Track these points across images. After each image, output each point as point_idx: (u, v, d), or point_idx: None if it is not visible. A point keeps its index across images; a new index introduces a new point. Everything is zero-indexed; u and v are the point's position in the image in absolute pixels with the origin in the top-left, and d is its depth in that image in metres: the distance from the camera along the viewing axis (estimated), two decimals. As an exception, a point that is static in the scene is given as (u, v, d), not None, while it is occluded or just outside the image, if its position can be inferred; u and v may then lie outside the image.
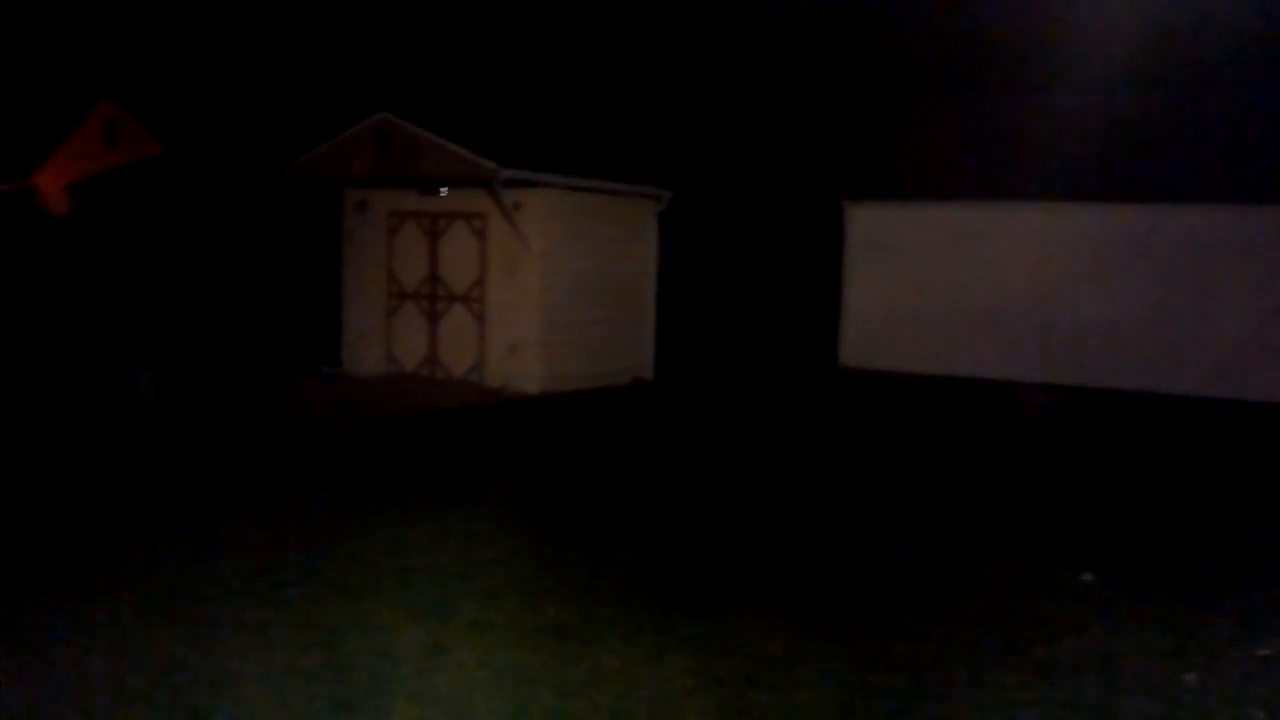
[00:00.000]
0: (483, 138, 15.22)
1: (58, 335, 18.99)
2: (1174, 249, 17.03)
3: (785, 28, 26.38)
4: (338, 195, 17.16)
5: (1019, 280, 17.90)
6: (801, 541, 8.36)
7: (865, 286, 19.16)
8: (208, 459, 10.69)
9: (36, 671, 5.38)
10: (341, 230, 17.21)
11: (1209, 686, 5.65)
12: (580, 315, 16.17)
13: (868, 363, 18.96)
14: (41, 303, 20.89)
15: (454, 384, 15.88)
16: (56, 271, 21.84)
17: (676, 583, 7.18)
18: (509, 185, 14.76)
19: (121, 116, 32.78)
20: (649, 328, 17.83)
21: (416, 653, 5.77)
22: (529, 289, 15.43)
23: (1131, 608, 6.87)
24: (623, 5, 27.35)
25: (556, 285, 15.65)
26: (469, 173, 14.58)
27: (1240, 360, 16.41)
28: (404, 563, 7.34)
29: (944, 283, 18.50)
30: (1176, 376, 16.74)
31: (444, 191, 15.87)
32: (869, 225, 19.22)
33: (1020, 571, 7.66)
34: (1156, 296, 17.04)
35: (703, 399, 16.36)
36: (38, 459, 10.40)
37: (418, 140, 14.94)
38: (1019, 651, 6.06)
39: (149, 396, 13.65)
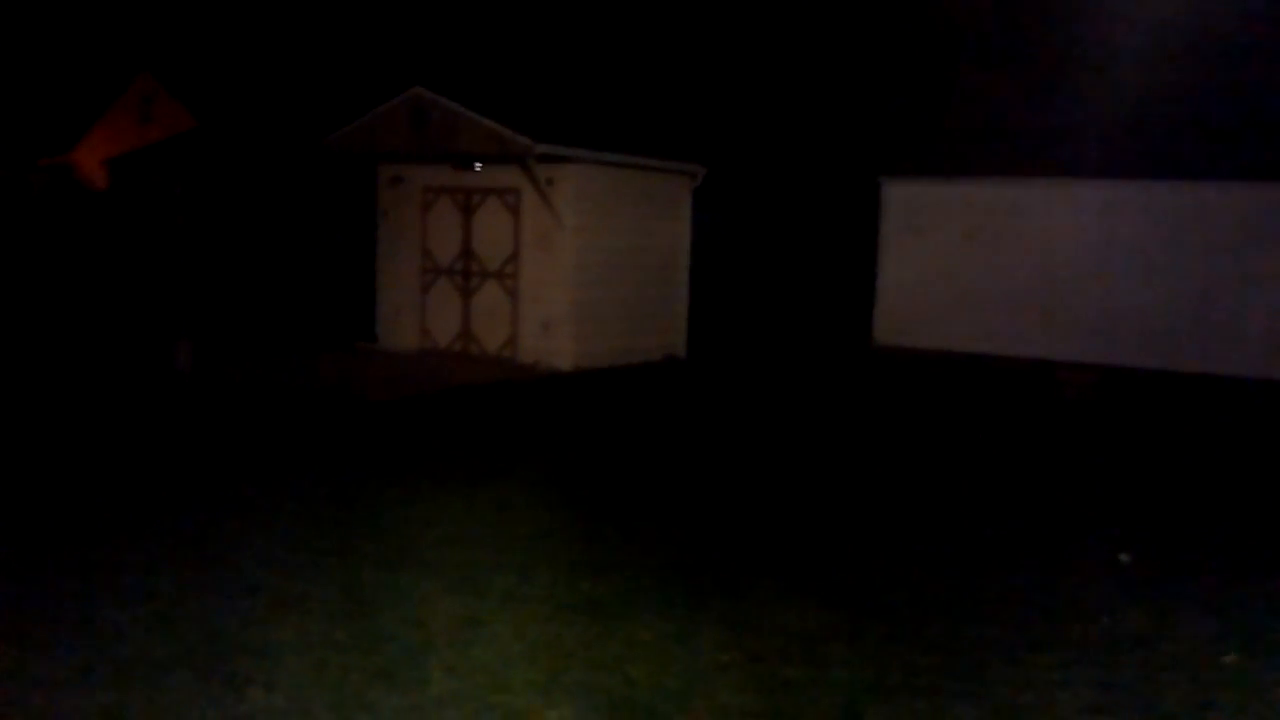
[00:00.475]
0: (517, 113, 15.19)
1: (97, 308, 19.22)
2: (1217, 227, 16.76)
3: (822, 1, 26.13)
4: (372, 170, 17.21)
5: (1057, 258, 17.70)
6: (835, 519, 8.34)
7: (901, 264, 19.01)
8: (245, 432, 10.80)
9: (76, 640, 5.46)
10: (376, 206, 17.26)
11: (1249, 668, 5.59)
12: (613, 292, 16.16)
13: (902, 341, 18.83)
14: (81, 275, 21.15)
15: (487, 360, 15.93)
16: (95, 245, 22.09)
17: (710, 559, 7.18)
18: (543, 160, 14.74)
19: (158, 92, 33.02)
20: (682, 304, 17.79)
21: (452, 625, 5.81)
22: (562, 265, 15.42)
23: (1170, 589, 6.80)
24: (657, -20, 27.19)
25: (589, 261, 15.64)
26: (503, 148, 14.57)
27: (1283, 340, 16.16)
28: (439, 536, 7.39)
29: (981, 260, 18.32)
30: (1218, 356, 16.51)
31: (478, 167, 15.87)
32: (906, 202, 19.05)
33: (1057, 551, 7.61)
34: (1199, 275, 16.79)
35: (735, 376, 16.32)
36: (77, 431, 10.53)
37: (452, 115, 14.93)
38: (1056, 631, 6.02)
39: (186, 370, 13.78)
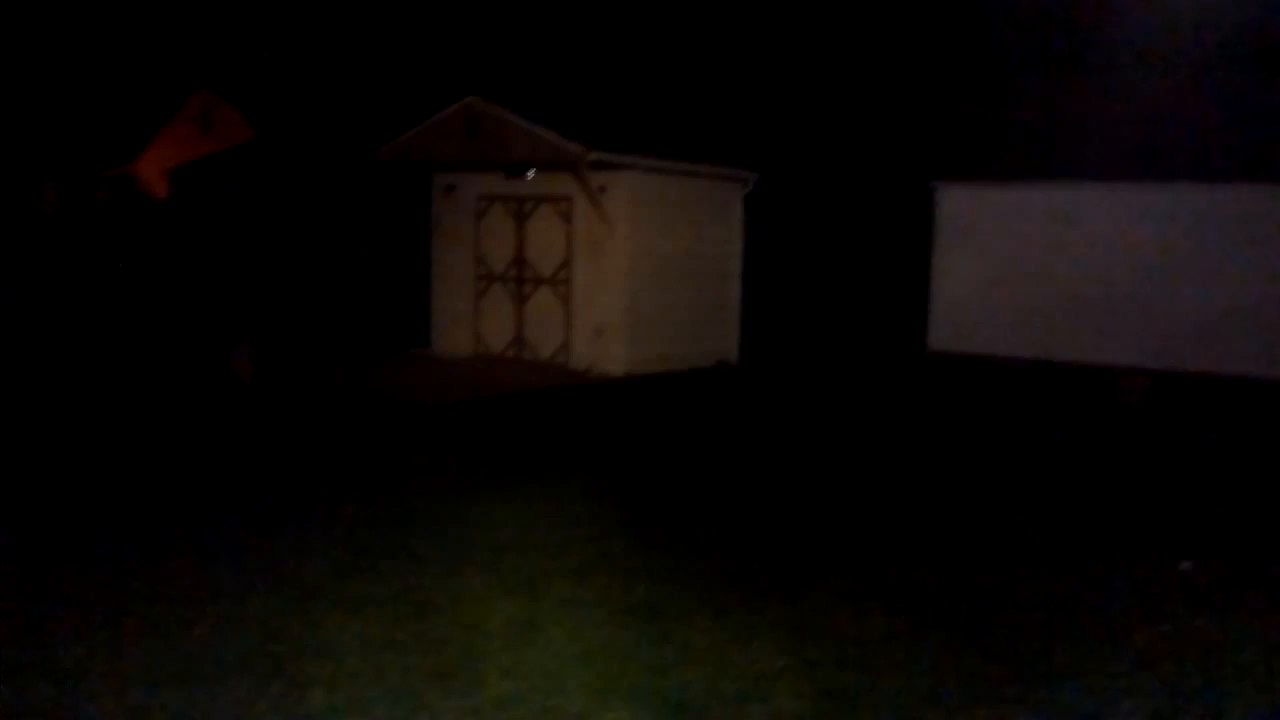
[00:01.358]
0: (569, 120, 15.28)
1: (158, 315, 19.60)
2: (1276, 230, 16.43)
3: (875, 5, 25.98)
4: (427, 179, 17.39)
5: (1114, 263, 17.45)
6: (893, 525, 8.28)
7: (955, 269, 18.84)
8: (304, 437, 10.95)
9: (141, 640, 5.57)
10: (430, 214, 17.44)
11: (1319, 679, 5.47)
12: (665, 298, 16.18)
13: (957, 346, 18.66)
14: (143, 284, 21.57)
15: (540, 366, 16.02)
16: (157, 253, 22.53)
17: (766, 564, 7.16)
18: (595, 168, 14.81)
19: (217, 104, 33.61)
20: (734, 311, 17.77)
21: (508, 628, 5.85)
22: (614, 272, 15.47)
23: (1233, 597, 6.68)
24: (708, -14, 27.20)
25: (641, 268, 15.68)
26: (556, 156, 14.65)
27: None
28: (495, 539, 7.44)
29: (1036, 265, 18.10)
30: (1278, 361, 16.18)
31: (531, 174, 15.98)
32: (960, 206, 18.89)
33: (1117, 559, 7.49)
34: (1257, 279, 16.47)
35: (787, 382, 16.27)
36: (139, 436, 10.74)
37: (505, 124, 15.05)
38: (1117, 639, 5.93)
39: (245, 376, 14.01)
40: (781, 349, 19.36)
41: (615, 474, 9.73)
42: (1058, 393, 15.42)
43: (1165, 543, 7.87)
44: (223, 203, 22.38)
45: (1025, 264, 18.20)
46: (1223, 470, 10.62)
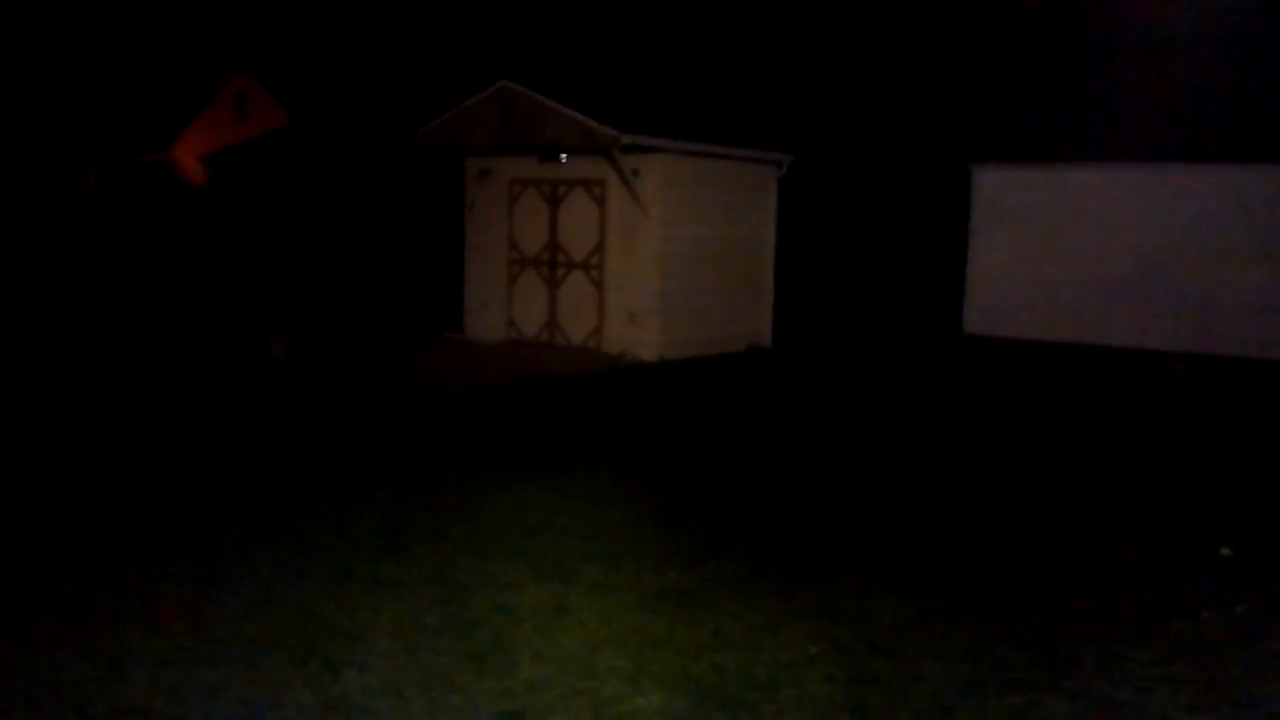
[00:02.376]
0: (602, 104, 15.25)
1: (194, 299, 19.80)
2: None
3: (909, -14, 25.69)
4: (460, 163, 17.42)
5: (1152, 245, 17.21)
6: (926, 511, 8.23)
7: (991, 251, 18.67)
8: (339, 422, 11.04)
9: (179, 621, 5.64)
10: (463, 198, 17.48)
11: (1361, 669, 5.38)
12: (698, 282, 16.14)
13: (993, 330, 18.49)
14: (180, 268, 21.79)
15: (573, 350, 16.04)
16: (193, 238, 22.75)
17: (798, 550, 7.14)
18: (628, 151, 14.77)
19: (253, 89, 33.84)
20: (767, 295, 17.70)
21: (540, 612, 5.87)
22: (647, 256, 15.44)
23: (1274, 584, 6.58)
24: (741, -33, 26.99)
25: (675, 252, 15.64)
26: (589, 139, 14.63)
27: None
28: (528, 523, 7.47)
29: (1073, 248, 17.90)
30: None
31: (564, 158, 15.96)
32: (996, 188, 18.69)
33: (1156, 545, 7.41)
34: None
35: (821, 366, 16.19)
36: (176, 419, 10.86)
37: (539, 107, 15.04)
38: (1154, 627, 5.86)
39: (281, 359, 14.12)
40: (816, 333, 19.27)
41: (647, 459, 9.73)
42: (1095, 377, 15.25)
43: (1205, 529, 7.77)
44: (258, 188, 22.55)
45: (1063, 247, 18.00)
46: (1264, 456, 10.46)
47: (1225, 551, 7.17)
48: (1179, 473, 9.69)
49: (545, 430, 10.93)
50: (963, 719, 4.80)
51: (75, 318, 17.82)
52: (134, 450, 9.47)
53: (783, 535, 7.47)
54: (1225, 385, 14.63)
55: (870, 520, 7.93)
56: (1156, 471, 9.73)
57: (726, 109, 19.69)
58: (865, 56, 25.50)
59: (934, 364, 16.67)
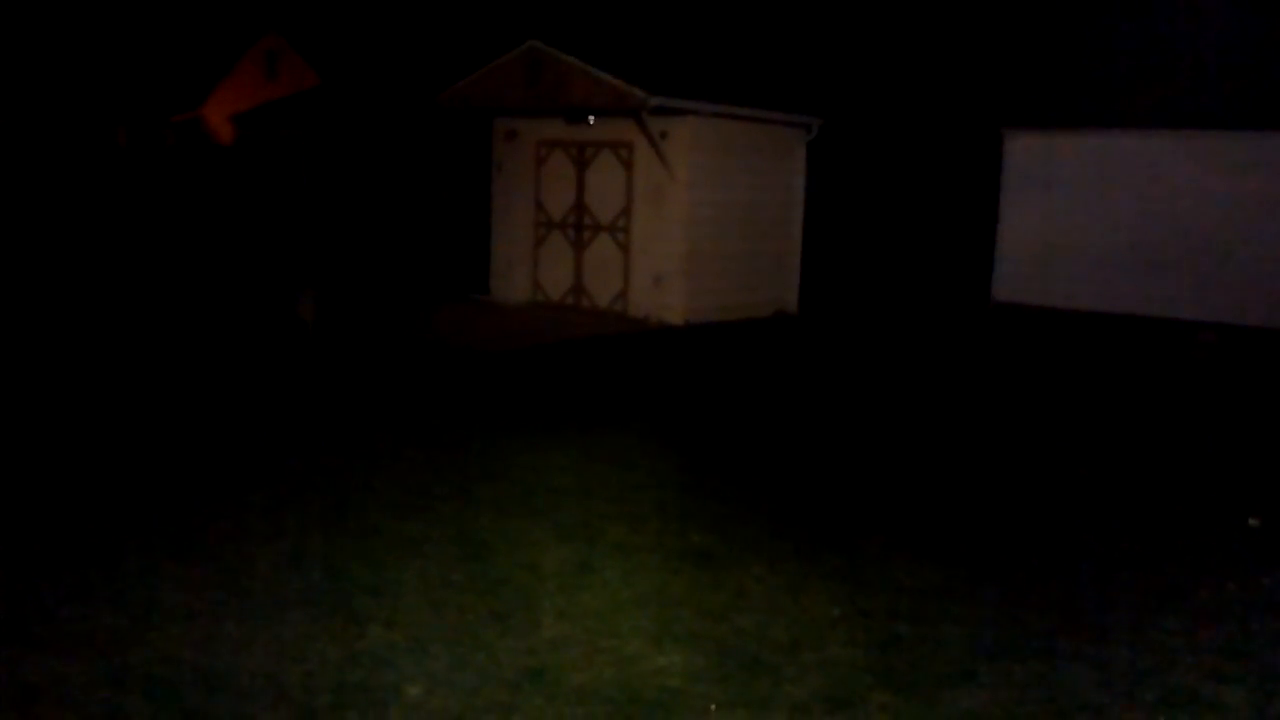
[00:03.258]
0: (630, 65, 15.13)
1: (224, 259, 19.91)
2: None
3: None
4: (488, 125, 17.37)
5: (1187, 213, 16.96)
6: (952, 477, 8.21)
7: (1023, 218, 18.46)
8: (366, 381, 11.11)
9: (208, 576, 5.71)
10: (491, 159, 17.44)
11: (1389, 641, 5.34)
12: (725, 246, 16.06)
13: (1023, 298, 18.33)
14: (209, 228, 21.91)
15: (598, 313, 16.04)
16: (223, 198, 22.85)
17: (821, 514, 7.15)
18: (656, 113, 14.67)
19: (283, 48, 33.84)
20: (794, 259, 17.60)
21: (564, 571, 5.91)
22: (674, 219, 15.38)
23: (1304, 556, 6.54)
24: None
25: (702, 215, 15.56)
26: (617, 101, 14.54)
27: None
28: (553, 484, 7.50)
29: (1106, 215, 17.66)
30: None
31: (592, 120, 15.88)
32: (1028, 154, 18.46)
33: (1183, 514, 7.36)
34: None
35: (847, 332, 16.12)
36: (206, 380, 10.96)
37: (566, 69, 14.95)
38: (1180, 596, 5.83)
39: (310, 320, 14.20)
40: (842, 298, 19.16)
41: (671, 422, 9.75)
42: (1125, 345, 15.11)
43: (1233, 499, 7.71)
44: (286, 147, 22.58)
45: (1095, 214, 17.77)
46: (1295, 427, 10.36)
47: (1253, 522, 7.12)
48: (1207, 443, 9.61)
49: (570, 392, 10.96)
50: (986, 683, 4.80)
51: (105, 278, 17.97)
52: (164, 410, 9.56)
53: (806, 499, 7.47)
54: (1260, 356, 14.46)
55: (895, 486, 7.92)
56: (1184, 441, 9.66)
57: (756, 71, 19.51)
58: (897, 18, 25.18)
59: (961, 331, 16.56)
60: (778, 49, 23.79)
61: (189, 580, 5.62)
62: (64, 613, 5.20)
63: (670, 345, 14.04)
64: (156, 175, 25.20)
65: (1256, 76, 17.23)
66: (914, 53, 24.21)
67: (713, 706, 4.53)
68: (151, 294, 16.37)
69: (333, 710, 4.41)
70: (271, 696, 4.50)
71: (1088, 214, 17.84)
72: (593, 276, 16.32)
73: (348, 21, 33.69)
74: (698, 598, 5.63)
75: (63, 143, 29.06)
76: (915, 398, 11.33)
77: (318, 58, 33.57)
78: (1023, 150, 18.52)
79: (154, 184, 24.46)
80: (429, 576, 5.77)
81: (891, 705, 4.59)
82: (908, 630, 5.31)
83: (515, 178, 17.07)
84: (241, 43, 34.59)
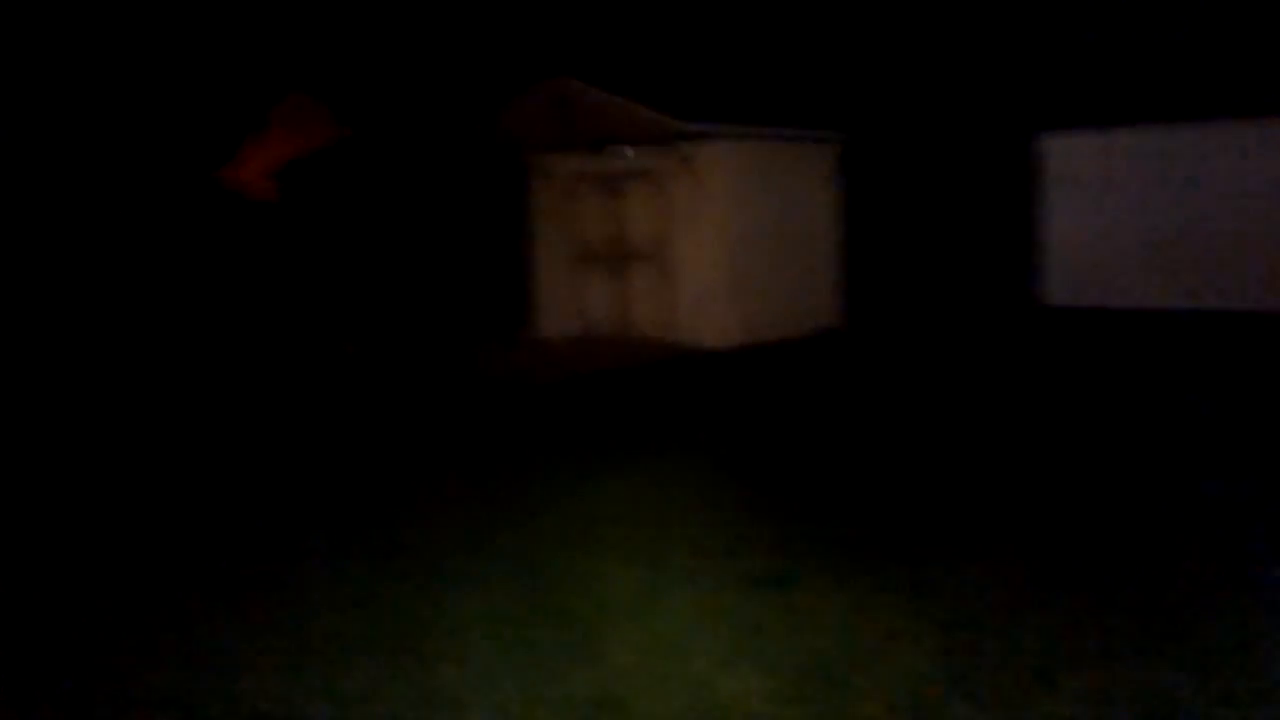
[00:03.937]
0: (659, 93, 15.19)
1: (272, 311, 20.14)
2: None
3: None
4: (521, 160, 17.47)
5: (1243, 205, 16.64)
6: (1018, 491, 8.06)
7: (1073, 218, 18.23)
8: (419, 419, 11.14)
9: (277, 625, 5.71)
10: (526, 194, 17.53)
11: None
12: (766, 266, 16.00)
13: (1076, 299, 18.06)
14: (256, 284, 22.18)
15: (644, 341, 16.01)
16: (262, 250, 23.14)
17: (885, 531, 7.04)
18: (688, 139, 14.69)
19: (310, 104, 34.34)
20: (836, 275, 17.49)
21: (629, 599, 5.85)
22: (713, 243, 15.36)
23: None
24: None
25: (740, 237, 15.53)
26: (650, 130, 14.59)
27: None
28: (612, 512, 7.46)
29: (1159, 211, 17.39)
30: None
31: (630, 152, 15.87)
32: (1072, 155, 18.30)
33: (1267, 515, 7.16)
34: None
35: (897, 345, 15.97)
36: (259, 423, 11.04)
37: (597, 101, 15.03)
38: (1271, 595, 5.66)
39: (358, 365, 14.30)
40: (888, 311, 18.99)
41: (727, 445, 9.68)
42: (1183, 344, 14.82)
43: (1308, 490, 7.50)
44: (323, 199, 22.88)
45: (1150, 210, 17.50)
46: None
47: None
48: None
49: (623, 420, 10.92)
50: (1068, 689, 4.67)
51: (161, 332, 18.22)
52: (222, 459, 9.63)
53: (869, 517, 7.36)
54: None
55: (957, 500, 7.78)
56: (1256, 448, 9.41)
57: (785, 90, 19.48)
58: (926, 25, 25.08)
59: (1014, 337, 16.34)
60: (805, 67, 23.75)
61: (260, 630, 5.61)
62: (138, 672, 5.21)
63: (719, 368, 13.97)
64: (198, 232, 25.59)
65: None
66: (944, 60, 24.08)
67: (793, 728, 4.45)
68: (206, 346, 16.56)
69: (409, 751, 4.37)
70: (347, 741, 4.47)
71: (1141, 210, 17.59)
72: (636, 304, 16.31)
73: (373, 66, 34.12)
74: (767, 619, 5.54)
75: (111, 203, 29.59)
76: (971, 410, 11.17)
77: (343, 108, 34.02)
78: (1066, 151, 18.38)
79: (197, 240, 24.83)
80: (495, 611, 5.73)
81: (973, 717, 4.48)
82: (984, 640, 5.19)
83: (552, 211, 17.15)
84: (268, 100, 35.16)
